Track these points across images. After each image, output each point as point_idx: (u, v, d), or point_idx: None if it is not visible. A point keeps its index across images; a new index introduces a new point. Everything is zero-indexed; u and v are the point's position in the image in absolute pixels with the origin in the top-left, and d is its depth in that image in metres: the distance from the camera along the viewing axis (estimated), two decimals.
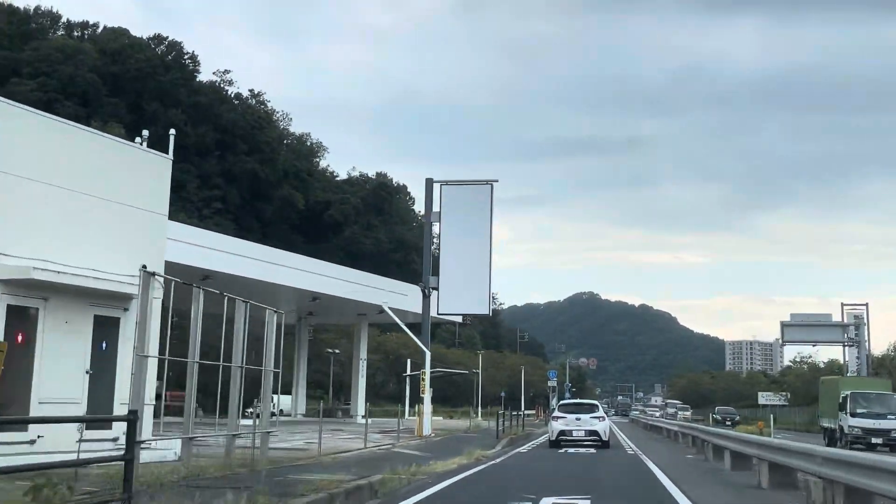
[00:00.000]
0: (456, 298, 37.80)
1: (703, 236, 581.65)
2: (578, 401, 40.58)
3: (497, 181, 38.23)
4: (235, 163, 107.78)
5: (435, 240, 40.72)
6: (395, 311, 41.73)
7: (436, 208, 38.49)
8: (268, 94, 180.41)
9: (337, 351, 69.29)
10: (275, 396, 66.06)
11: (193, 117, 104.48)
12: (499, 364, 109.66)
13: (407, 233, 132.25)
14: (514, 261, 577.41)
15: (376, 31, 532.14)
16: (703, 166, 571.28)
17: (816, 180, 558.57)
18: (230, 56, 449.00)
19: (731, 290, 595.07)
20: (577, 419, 30.26)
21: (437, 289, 37.62)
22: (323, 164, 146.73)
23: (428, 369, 34.24)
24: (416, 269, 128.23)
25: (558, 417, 31.04)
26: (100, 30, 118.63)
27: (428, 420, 32.41)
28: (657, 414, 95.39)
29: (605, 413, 35.03)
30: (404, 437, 29.39)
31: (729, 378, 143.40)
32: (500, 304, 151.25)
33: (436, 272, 38.29)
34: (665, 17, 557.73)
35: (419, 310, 37.84)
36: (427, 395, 33.41)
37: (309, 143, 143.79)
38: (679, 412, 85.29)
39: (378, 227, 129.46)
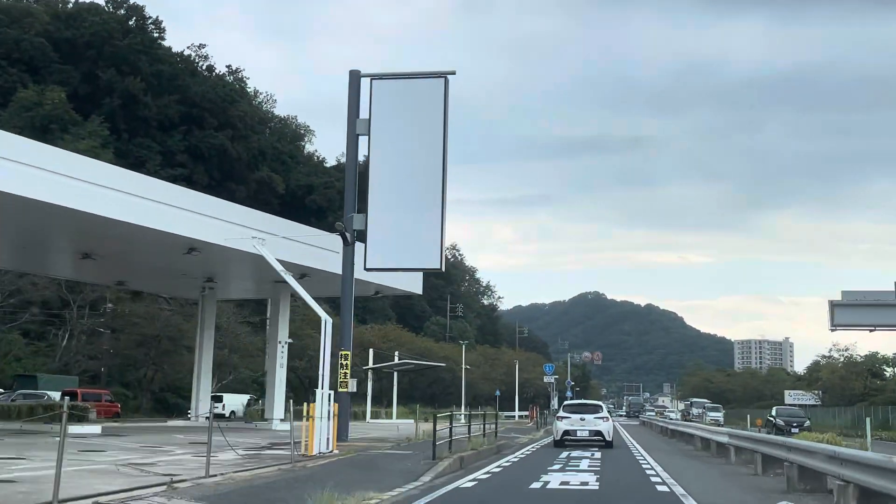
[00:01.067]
0: (392, 247, 25.18)
1: (707, 236, 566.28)
2: (583, 401, 39.91)
3: (454, 73, 25.43)
4: (203, 139, 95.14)
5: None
6: (314, 272, 29.09)
7: (365, 115, 25.87)
8: (271, 94, 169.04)
9: (290, 340, 56.69)
10: (228, 396, 52.64)
11: (155, 87, 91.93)
12: (494, 360, 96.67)
13: None
14: (518, 262, 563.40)
15: (378, 29, 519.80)
16: (707, 165, 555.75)
17: (821, 179, 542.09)
18: (230, 54, 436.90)
19: (737, 290, 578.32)
20: (582, 419, 29.68)
21: (364, 234, 25.10)
22: (310, 148, 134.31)
23: (326, 342, 21.26)
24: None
25: (563, 417, 30.31)
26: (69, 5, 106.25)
27: (324, 428, 19.44)
28: (673, 416, 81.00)
29: (609, 414, 34.16)
30: (295, 456, 16.72)
31: (746, 376, 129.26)
32: (500, 297, 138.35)
33: (364, 209, 25.74)
34: (668, 15, 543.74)
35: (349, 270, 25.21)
36: (323, 391, 20.34)
37: (294, 126, 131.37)
38: (708, 413, 70.22)
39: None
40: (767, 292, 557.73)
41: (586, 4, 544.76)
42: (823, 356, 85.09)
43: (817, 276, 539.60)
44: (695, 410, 75.82)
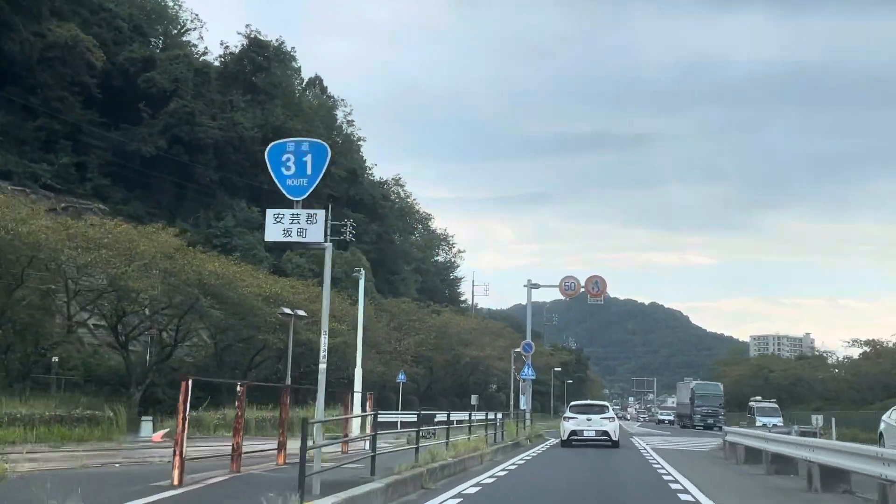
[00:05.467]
0: None
1: (708, 236, 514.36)
2: (589, 402, 36.68)
3: None
4: None
5: None
6: None
7: None
8: None
9: None
10: None
11: None
12: (409, 325, 49.06)
13: (292, 120, 72.61)
14: (518, 262, 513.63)
15: (373, 25, 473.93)
16: (709, 165, 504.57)
17: (824, 179, 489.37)
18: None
19: (739, 291, 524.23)
20: (588, 419, 28.68)
21: None
22: (200, 46, 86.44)
23: None
24: (320, 193, 68.29)
25: (569, 418, 29.33)
26: None
27: None
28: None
29: (615, 415, 33.04)
30: None
31: (827, 362, 77.69)
32: (460, 251, 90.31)
33: None
34: (669, 12, 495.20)
35: None
36: None
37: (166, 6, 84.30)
38: None
39: (242, 108, 70.09)
40: (769, 293, 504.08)
41: (586, 0, 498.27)
42: None
43: (820, 278, 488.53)
44: None
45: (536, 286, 39.82)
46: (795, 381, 67.94)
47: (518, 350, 46.48)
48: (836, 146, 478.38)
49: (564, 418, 29.98)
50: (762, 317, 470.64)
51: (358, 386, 24.63)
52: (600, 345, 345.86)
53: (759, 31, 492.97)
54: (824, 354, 71.48)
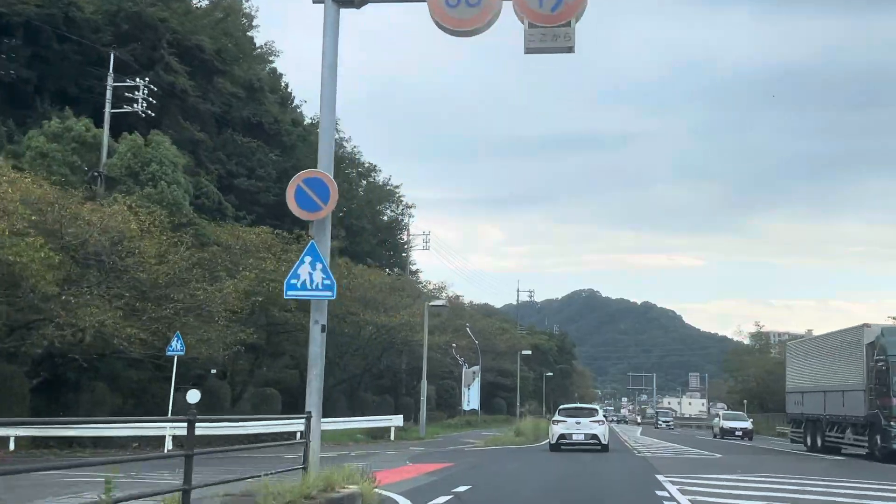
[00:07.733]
0: None
1: (697, 238, 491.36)
2: (578, 405, 35.49)
3: None
4: None
5: None
6: None
7: None
8: None
9: None
10: None
11: None
12: (254, 262, 26.80)
13: (156, 7, 50.27)
14: (508, 263, 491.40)
15: (357, 23, 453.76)
16: (697, 166, 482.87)
17: (813, 179, 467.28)
18: None
19: (728, 292, 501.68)
20: (577, 423, 27.30)
21: None
22: None
23: None
24: (197, 109, 46.69)
25: (558, 421, 27.83)
26: None
27: None
28: None
29: (605, 417, 30.68)
30: None
31: None
32: (409, 206, 66.15)
33: None
34: (657, 11, 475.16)
35: None
36: None
37: None
38: None
39: (116, 12, 47.93)
40: (759, 295, 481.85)
41: None
42: None
43: (809, 279, 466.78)
44: None
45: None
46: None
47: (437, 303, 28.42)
48: (824, 147, 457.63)
49: (553, 422, 28.47)
50: (753, 318, 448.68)
51: None
52: (591, 345, 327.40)
53: (747, 32, 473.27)
54: None
